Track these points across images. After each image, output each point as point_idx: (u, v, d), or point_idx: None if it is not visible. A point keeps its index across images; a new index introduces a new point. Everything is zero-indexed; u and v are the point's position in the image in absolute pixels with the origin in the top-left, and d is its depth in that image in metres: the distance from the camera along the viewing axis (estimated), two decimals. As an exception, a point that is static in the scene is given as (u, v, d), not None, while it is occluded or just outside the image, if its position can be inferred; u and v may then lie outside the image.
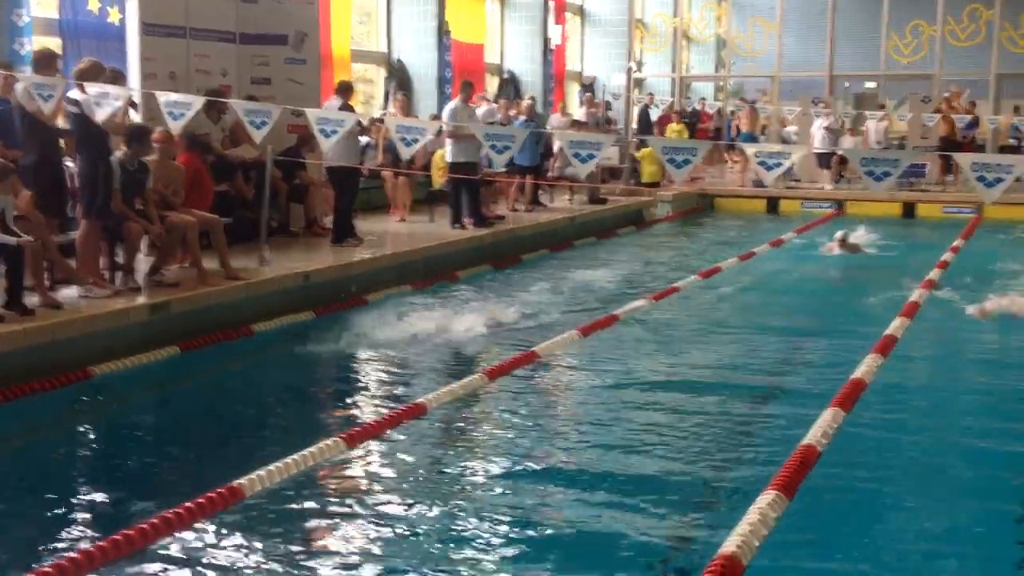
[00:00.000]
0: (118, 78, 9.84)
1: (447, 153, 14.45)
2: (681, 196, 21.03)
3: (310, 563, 5.04)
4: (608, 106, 24.64)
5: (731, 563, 4.71)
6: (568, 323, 10.19)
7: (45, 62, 9.62)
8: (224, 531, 5.32)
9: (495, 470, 6.34)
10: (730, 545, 4.87)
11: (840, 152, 19.93)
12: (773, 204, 21.20)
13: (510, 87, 23.00)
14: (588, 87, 26.32)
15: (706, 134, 26.04)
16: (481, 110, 16.97)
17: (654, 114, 25.91)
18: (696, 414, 7.43)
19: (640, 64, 29.04)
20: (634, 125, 24.63)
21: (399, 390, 7.94)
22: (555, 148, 17.43)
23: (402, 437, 6.82)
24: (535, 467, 6.37)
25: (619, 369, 8.68)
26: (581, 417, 7.52)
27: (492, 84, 22.93)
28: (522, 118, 16.76)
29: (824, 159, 21.73)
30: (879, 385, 7.87)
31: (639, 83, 28.31)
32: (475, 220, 14.42)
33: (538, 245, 15.13)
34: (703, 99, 29.99)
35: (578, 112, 22.38)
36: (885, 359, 8.55)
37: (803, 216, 19.98)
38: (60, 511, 5.64)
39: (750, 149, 9.46)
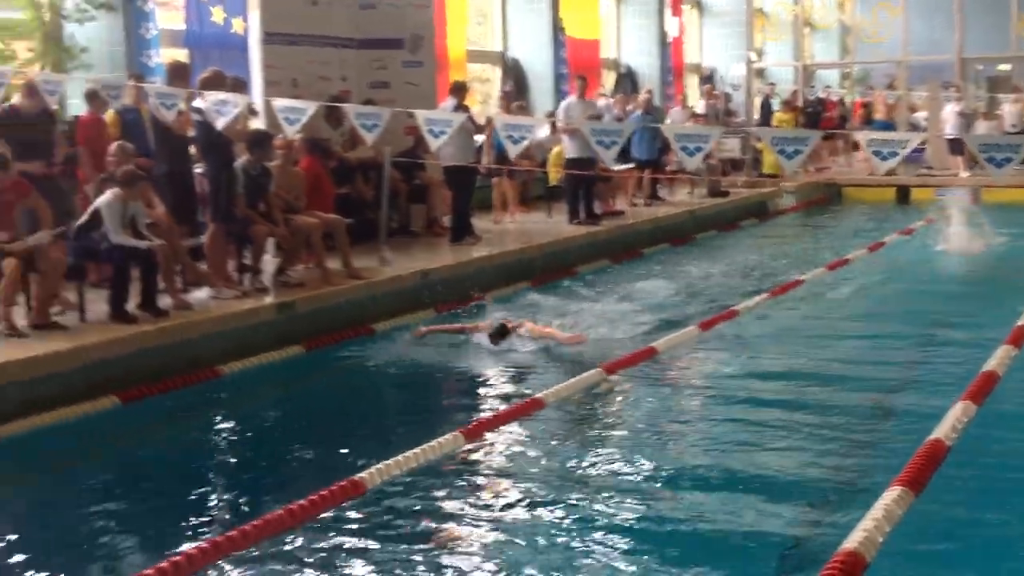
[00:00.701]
0: (240, 86, 10.13)
1: (564, 149, 14.45)
2: (806, 186, 20.60)
3: (429, 555, 5.11)
4: (728, 98, 24.27)
5: (853, 559, 4.60)
6: (688, 318, 10.09)
7: (177, 73, 9.98)
8: (346, 524, 5.43)
9: (613, 465, 6.32)
10: (853, 541, 4.75)
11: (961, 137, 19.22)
12: (904, 193, 20.57)
13: (627, 82, 22.84)
14: (707, 79, 25.97)
15: (831, 123, 25.41)
16: (599, 104, 16.95)
17: (776, 105, 25.41)
18: (820, 408, 7.27)
19: (760, 53, 28.52)
20: (756, 116, 24.21)
21: (517, 385, 7.98)
22: (673, 142, 17.24)
23: (520, 432, 6.86)
24: (653, 462, 6.33)
25: (740, 364, 8.56)
26: (701, 412, 7.44)
27: (609, 80, 22.82)
28: (639, 112, 16.66)
29: (956, 145, 20.99)
30: (1012, 378, 7.57)
31: (760, 73, 27.81)
32: (588, 216, 14.38)
33: (657, 240, 15.01)
34: (828, 87, 29.28)
35: (698, 105, 22.11)
36: (1019, 350, 8.22)
37: (935, 204, 19.34)
38: (192, 503, 5.85)
39: (863, 138, 9.19)
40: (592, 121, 12.78)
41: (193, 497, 5.94)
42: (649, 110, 16.91)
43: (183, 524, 5.55)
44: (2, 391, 6.97)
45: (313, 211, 10.48)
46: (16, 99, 8.99)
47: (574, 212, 14.33)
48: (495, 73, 19.88)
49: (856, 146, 25.52)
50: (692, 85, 26.46)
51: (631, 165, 15.98)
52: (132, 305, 8.48)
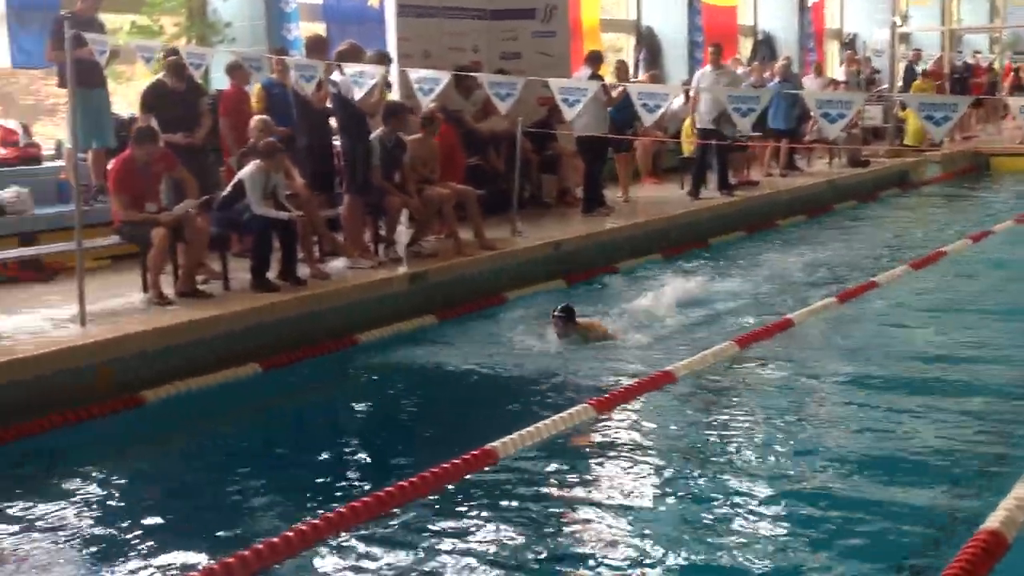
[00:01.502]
0: (383, 59, 10.25)
1: (697, 119, 14.23)
2: (951, 156, 19.83)
3: (553, 528, 5.13)
4: (871, 64, 23.49)
5: (995, 538, 4.46)
6: (825, 289, 9.86)
7: (315, 47, 10.18)
8: (476, 493, 5.50)
9: (745, 440, 6.24)
10: (994, 520, 4.60)
11: None
12: (1059, 162, 19.62)
13: (764, 49, 22.32)
14: (848, 44, 25.18)
15: (980, 89, 24.36)
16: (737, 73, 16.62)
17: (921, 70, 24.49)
18: (961, 385, 7.04)
19: (905, 18, 27.49)
20: (899, 83, 23.38)
21: (648, 357, 7.93)
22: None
23: (651, 404, 6.83)
24: (785, 439, 6.23)
25: (877, 337, 8.33)
26: (836, 387, 7.26)
27: (745, 47, 22.34)
28: (776, 80, 16.27)
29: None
30: None
31: (904, 38, 26.82)
32: (722, 187, 14.13)
33: (794, 211, 14.68)
34: (977, 52, 28.07)
35: (838, 72, 21.45)
36: None
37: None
38: (326, 469, 6.01)
39: (1015, 104, 8.77)
40: (729, 88, 12.54)
41: (327, 463, 6.09)
42: (787, 77, 16.49)
43: (317, 489, 5.70)
44: (149, 356, 7.25)
45: (446, 182, 10.59)
46: (164, 74, 9.30)
47: (697, 187, 13.96)
48: (628, 42, 19.68)
49: (1006, 114, 24.49)
50: (832, 52, 25.71)
51: (758, 134, 15.61)
52: (273, 274, 8.73)
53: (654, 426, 6.57)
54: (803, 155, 17.61)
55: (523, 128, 11.45)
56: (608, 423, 6.53)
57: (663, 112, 10.19)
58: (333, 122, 10.17)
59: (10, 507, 5.46)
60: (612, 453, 6.15)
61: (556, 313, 8.21)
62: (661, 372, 7.30)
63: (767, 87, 15.03)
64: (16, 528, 5.24)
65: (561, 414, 6.43)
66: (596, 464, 5.98)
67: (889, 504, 5.23)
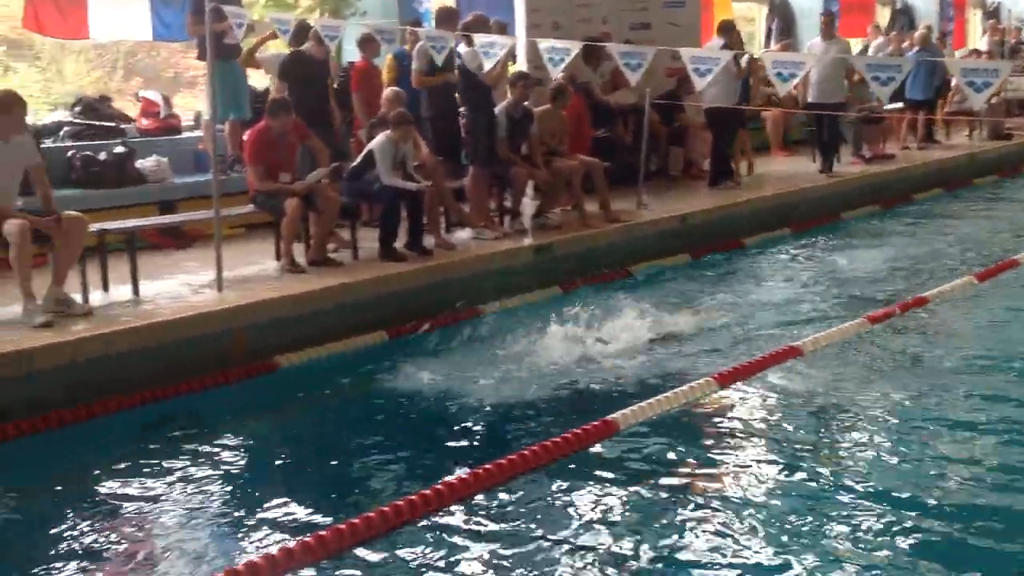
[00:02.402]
0: (501, 29, 10.28)
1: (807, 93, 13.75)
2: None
3: (667, 500, 5.10)
4: (1017, 32, 22.48)
5: None
6: (963, 266, 9.52)
7: (445, 19, 10.24)
8: (595, 463, 5.51)
9: (870, 421, 6.08)
10: None
11: None
12: None
13: (903, 18, 21.57)
14: (992, 13, 24.15)
15: None
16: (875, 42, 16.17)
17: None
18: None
19: (1055, -16, 26.20)
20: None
21: (775, 332, 7.80)
22: (952, 82, 16.19)
23: (774, 380, 6.71)
24: (916, 419, 6.05)
25: (1018, 319, 8.01)
26: (972, 369, 7.00)
27: (883, 15, 21.63)
28: (915, 50, 15.73)
29: None
30: None
31: (1053, 5, 25.57)
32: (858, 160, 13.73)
33: (931, 184, 14.21)
34: None
35: (980, 42, 20.60)
36: None
37: None
38: (450, 436, 6.09)
39: None
40: (867, 56, 12.19)
41: (452, 430, 6.17)
42: (927, 47, 15.92)
43: (443, 454, 5.79)
44: (282, 322, 7.45)
45: (573, 154, 10.58)
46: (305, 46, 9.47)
47: (828, 162, 13.52)
48: (760, 12, 19.26)
49: None
50: (974, 21, 24.70)
51: (896, 105, 15.11)
52: (400, 244, 8.87)
53: (774, 400, 6.45)
54: (942, 127, 17.01)
55: (651, 100, 11.34)
56: (729, 397, 6.45)
57: (797, 82, 9.97)
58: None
59: (146, 467, 5.68)
60: (729, 428, 6.06)
61: None
62: (787, 347, 7.18)
63: (906, 56, 14.54)
64: (151, 489, 5.44)
65: (683, 387, 6.39)
66: (712, 438, 5.90)
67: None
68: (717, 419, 6.22)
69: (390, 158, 8.72)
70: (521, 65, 11.15)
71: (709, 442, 5.89)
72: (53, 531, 4.97)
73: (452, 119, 10.29)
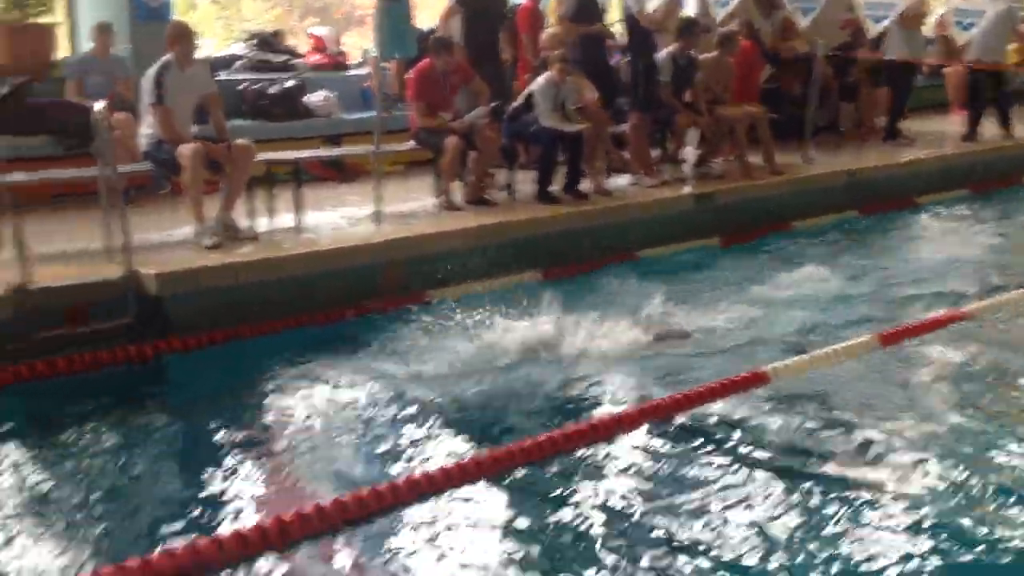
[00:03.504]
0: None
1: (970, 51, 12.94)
2: None
3: (811, 457, 4.91)
4: None
5: None
6: None
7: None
8: (752, 408, 5.40)
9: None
10: None
11: None
12: None
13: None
14: None
15: None
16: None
17: None
18: None
19: None
20: None
21: (946, 294, 7.45)
22: None
23: (939, 344, 6.41)
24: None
25: None
26: None
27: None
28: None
29: None
30: None
31: None
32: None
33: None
34: None
35: None
36: None
37: None
38: (595, 374, 5.98)
39: None
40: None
41: (594, 371, 6.05)
42: None
43: (587, 396, 5.73)
44: (436, 258, 7.52)
45: (739, 103, 10.31)
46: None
47: (972, 128, 12.53)
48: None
49: None
50: None
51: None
52: (556, 187, 8.84)
53: (936, 363, 6.13)
54: None
55: (824, 52, 10.94)
56: (891, 356, 6.19)
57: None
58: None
59: (297, 388, 5.81)
60: (884, 389, 5.80)
61: None
62: (954, 311, 6.86)
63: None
64: (301, 406, 5.57)
65: (841, 344, 6.18)
66: (868, 396, 5.65)
67: None
68: (870, 380, 5.97)
69: (550, 99, 8.67)
70: (689, 10, 10.88)
71: (856, 397, 5.62)
72: (214, 440, 5.18)
73: (602, 66, 10.10)
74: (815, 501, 4.42)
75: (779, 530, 4.18)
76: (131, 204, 8.06)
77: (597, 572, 3.94)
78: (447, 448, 5.07)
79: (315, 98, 10.36)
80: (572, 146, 8.82)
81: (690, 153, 10.19)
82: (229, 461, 4.95)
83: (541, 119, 8.67)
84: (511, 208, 8.61)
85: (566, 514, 4.37)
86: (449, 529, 4.27)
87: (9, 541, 4.16)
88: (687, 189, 9.42)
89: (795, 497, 4.45)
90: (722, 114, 9.94)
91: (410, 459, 4.97)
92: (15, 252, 6.04)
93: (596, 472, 4.76)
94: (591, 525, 4.27)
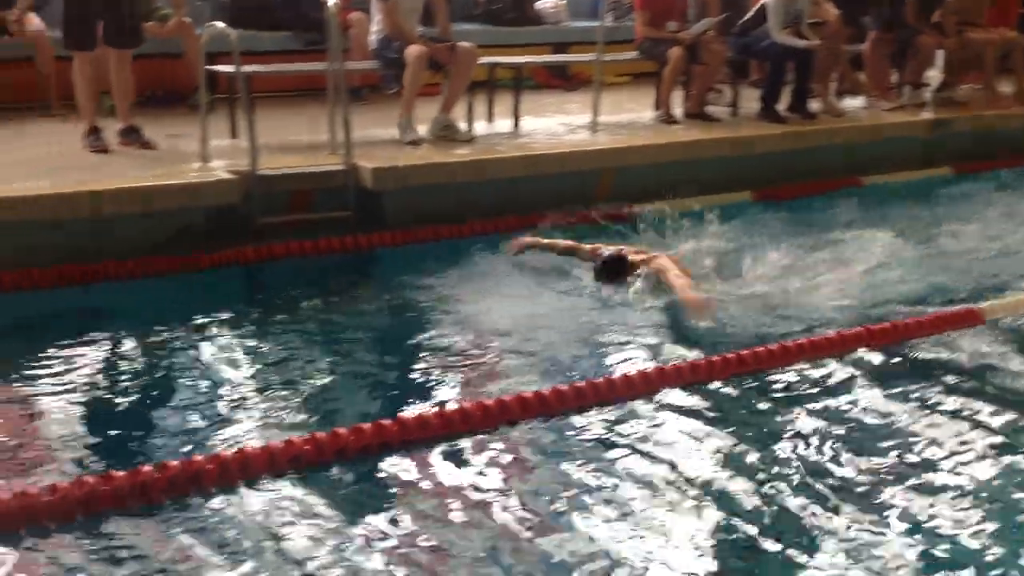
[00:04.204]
0: None
1: None
2: None
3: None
4: None
5: None
6: None
7: None
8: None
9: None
10: None
11: None
12: None
13: None
14: None
15: None
16: None
17: None
18: None
19: None
20: None
21: None
22: None
23: None
24: None
25: None
26: None
27: None
28: None
29: None
30: None
31: None
32: None
33: None
34: None
35: None
36: None
37: None
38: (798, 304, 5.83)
39: None
40: None
41: (799, 302, 5.87)
42: None
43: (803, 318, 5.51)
44: (647, 170, 7.46)
45: (993, 27, 9.62)
46: None
47: None
48: None
49: None
50: None
51: None
52: (783, 106, 8.56)
53: None
54: None
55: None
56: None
57: None
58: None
59: (507, 289, 5.84)
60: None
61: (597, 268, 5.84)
62: None
63: None
64: (513, 305, 5.56)
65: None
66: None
67: None
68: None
69: (782, 14, 8.34)
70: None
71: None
72: (423, 332, 5.29)
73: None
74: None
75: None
76: (363, 102, 8.44)
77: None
78: (670, 352, 5.04)
79: (546, 4, 10.36)
80: (803, 63, 8.49)
81: (933, 77, 9.62)
82: (440, 351, 5.04)
83: (772, 34, 8.37)
84: (733, 125, 8.42)
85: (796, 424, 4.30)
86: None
87: (241, 403, 4.42)
88: (924, 115, 8.92)
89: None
90: (972, 38, 9.31)
91: (622, 360, 4.94)
92: (248, 141, 6.39)
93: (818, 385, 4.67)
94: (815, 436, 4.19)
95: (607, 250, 5.87)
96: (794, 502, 3.69)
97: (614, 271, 5.73)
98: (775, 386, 4.69)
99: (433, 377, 4.79)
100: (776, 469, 3.92)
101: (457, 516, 3.57)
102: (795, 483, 3.81)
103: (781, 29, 8.36)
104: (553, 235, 6.29)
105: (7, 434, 4.08)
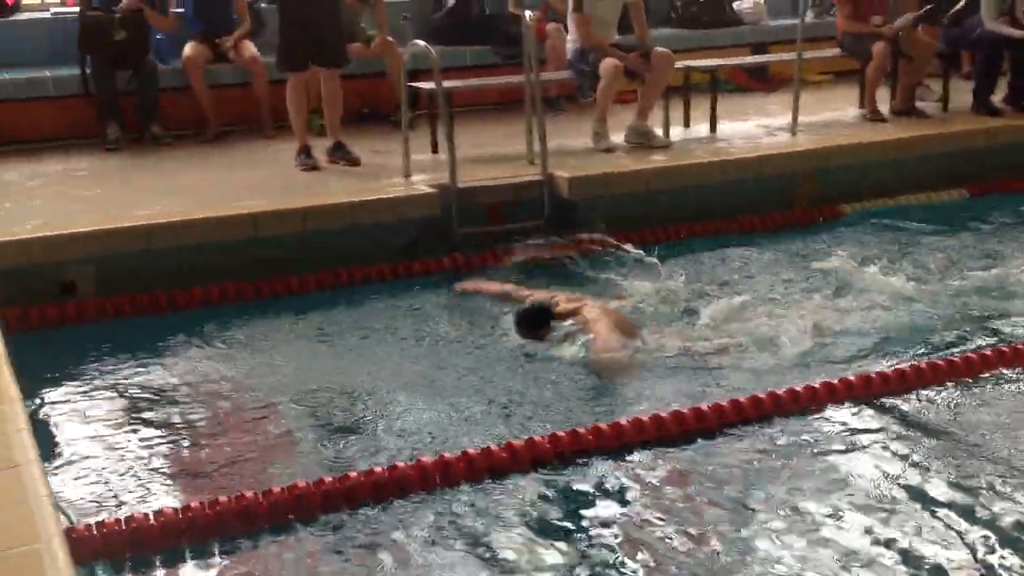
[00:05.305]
0: None
1: None
2: None
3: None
4: None
5: None
6: None
7: None
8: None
9: None
10: None
11: None
12: None
13: None
14: None
15: None
16: None
17: None
18: None
19: None
20: None
21: None
22: None
23: None
24: None
25: None
26: None
27: None
28: None
29: None
30: None
31: None
32: None
33: None
34: None
35: None
36: None
37: None
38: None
39: None
40: None
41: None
42: None
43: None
44: (852, 170, 7.23)
45: None
46: None
47: None
48: None
49: None
50: None
51: None
52: (998, 98, 8.14)
53: None
54: None
55: None
56: None
57: None
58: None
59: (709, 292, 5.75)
60: None
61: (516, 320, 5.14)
62: None
63: None
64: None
65: None
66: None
67: None
68: None
69: (996, 1, 7.93)
70: None
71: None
72: None
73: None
74: None
75: None
76: (560, 111, 8.56)
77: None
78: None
79: (745, 5, 10.20)
80: (1019, 53, 8.04)
81: None
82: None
83: (984, 22, 7.97)
84: (943, 120, 8.06)
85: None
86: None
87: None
88: None
89: None
90: None
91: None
92: (447, 155, 6.58)
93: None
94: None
95: (538, 297, 5.25)
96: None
97: (534, 323, 5.01)
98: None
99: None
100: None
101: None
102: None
103: (995, 17, 7.95)
104: (510, 275, 5.93)
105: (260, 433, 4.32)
